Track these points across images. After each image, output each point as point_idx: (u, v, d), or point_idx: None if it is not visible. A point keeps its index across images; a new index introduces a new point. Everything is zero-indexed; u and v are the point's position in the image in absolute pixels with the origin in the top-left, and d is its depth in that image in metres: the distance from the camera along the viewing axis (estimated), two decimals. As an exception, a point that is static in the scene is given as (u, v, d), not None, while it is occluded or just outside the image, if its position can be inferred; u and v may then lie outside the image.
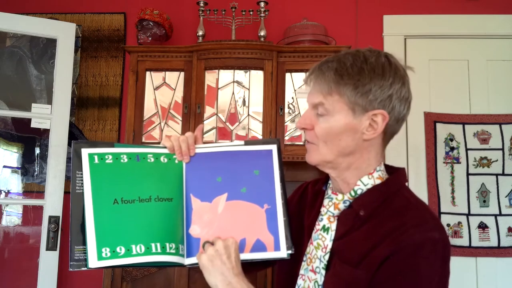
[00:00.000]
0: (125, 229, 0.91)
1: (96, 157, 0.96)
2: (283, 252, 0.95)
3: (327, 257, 0.91)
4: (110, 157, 0.98)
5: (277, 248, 0.95)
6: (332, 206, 0.96)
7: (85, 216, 0.90)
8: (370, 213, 0.89)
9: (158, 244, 0.91)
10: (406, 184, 0.96)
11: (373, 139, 0.91)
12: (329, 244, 0.92)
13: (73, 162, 0.95)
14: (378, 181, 0.93)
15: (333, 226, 0.93)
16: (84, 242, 0.89)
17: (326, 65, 0.91)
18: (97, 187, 0.93)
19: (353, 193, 0.93)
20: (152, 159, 0.99)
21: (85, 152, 0.96)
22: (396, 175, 0.95)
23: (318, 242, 0.95)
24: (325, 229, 0.95)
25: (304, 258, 0.97)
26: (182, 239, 0.94)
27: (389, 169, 0.98)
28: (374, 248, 0.83)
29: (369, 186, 0.92)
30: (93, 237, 0.89)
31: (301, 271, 0.96)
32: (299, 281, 0.96)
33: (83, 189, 0.93)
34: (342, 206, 0.94)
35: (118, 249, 0.89)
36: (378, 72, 0.88)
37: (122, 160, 0.98)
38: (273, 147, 1.03)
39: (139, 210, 0.93)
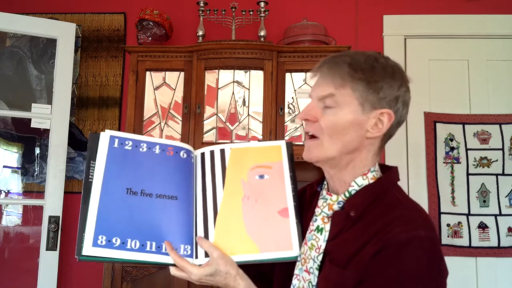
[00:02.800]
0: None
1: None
2: (296, 251, 0.95)
3: (320, 257, 0.91)
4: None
5: (289, 247, 0.95)
6: (327, 206, 0.95)
7: (91, 199, 0.90)
8: (361, 213, 0.89)
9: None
10: (399, 183, 0.96)
11: (375, 138, 0.92)
12: (323, 245, 0.92)
13: (88, 151, 0.95)
14: (372, 182, 0.93)
15: (327, 227, 0.93)
16: None
17: (339, 58, 0.92)
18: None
19: (347, 194, 0.93)
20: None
21: (107, 134, 0.97)
22: (387, 174, 0.95)
23: (312, 242, 0.95)
24: (319, 229, 0.94)
25: (299, 258, 0.97)
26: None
27: (383, 168, 0.98)
28: (363, 248, 0.83)
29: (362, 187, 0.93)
30: (93, 221, 0.88)
31: (296, 271, 0.97)
32: (294, 281, 0.96)
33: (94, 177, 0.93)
34: (336, 207, 0.93)
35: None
36: (389, 72, 0.91)
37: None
38: (282, 143, 1.05)
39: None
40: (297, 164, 1.06)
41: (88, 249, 0.86)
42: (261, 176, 1.01)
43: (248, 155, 1.04)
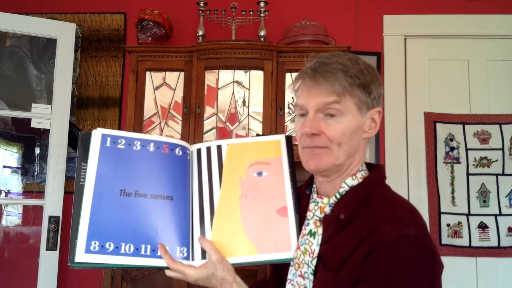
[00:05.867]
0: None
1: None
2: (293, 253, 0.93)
3: (314, 262, 0.90)
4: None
5: (288, 248, 0.93)
6: (318, 210, 0.94)
7: (83, 203, 0.87)
8: (350, 216, 0.88)
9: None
10: (398, 182, 0.96)
11: (369, 137, 0.94)
12: (316, 249, 0.91)
13: (79, 153, 0.91)
14: (360, 181, 0.93)
15: (320, 230, 0.92)
16: None
17: (331, 66, 0.90)
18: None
19: (338, 196, 0.92)
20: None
21: (98, 132, 0.93)
22: (374, 174, 0.94)
23: (305, 247, 0.93)
24: (312, 233, 0.93)
25: (292, 263, 0.95)
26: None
27: (368, 166, 0.98)
28: (355, 250, 0.83)
29: None
30: (86, 227, 0.85)
31: (289, 276, 0.95)
32: (288, 286, 0.95)
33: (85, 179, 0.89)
34: (328, 210, 0.93)
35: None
36: (372, 72, 0.93)
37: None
38: (281, 137, 1.03)
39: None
40: (297, 164, 1.05)
41: (81, 256, 0.83)
42: (260, 173, 0.98)
43: (246, 150, 1.01)
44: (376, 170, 0.95)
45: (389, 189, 0.94)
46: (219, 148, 1.01)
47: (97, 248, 0.85)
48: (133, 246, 0.87)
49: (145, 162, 0.93)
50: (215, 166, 0.99)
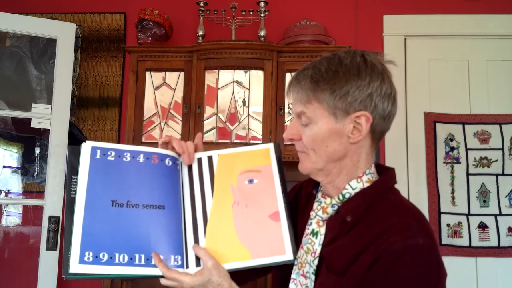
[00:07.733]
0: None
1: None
2: (289, 255, 0.93)
3: (316, 262, 0.90)
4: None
5: (282, 251, 0.93)
6: (321, 210, 0.94)
7: (75, 215, 0.88)
8: (357, 219, 0.87)
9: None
10: (398, 183, 0.93)
11: (360, 141, 0.89)
12: (318, 249, 0.91)
13: (68, 167, 0.92)
14: (367, 185, 0.91)
15: (322, 230, 0.92)
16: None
17: (302, 73, 0.91)
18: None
19: (341, 197, 0.91)
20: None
21: (88, 145, 0.94)
22: (384, 177, 0.93)
23: (307, 246, 0.94)
24: (314, 233, 0.93)
25: (296, 262, 0.95)
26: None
27: (379, 169, 0.96)
28: (359, 256, 0.82)
29: (357, 190, 0.90)
30: (79, 238, 0.86)
31: (293, 275, 0.95)
32: (291, 285, 0.95)
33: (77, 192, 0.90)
34: (330, 210, 0.92)
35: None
36: (354, 73, 0.87)
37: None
38: (270, 146, 1.04)
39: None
40: (290, 164, 1.06)
41: (75, 267, 0.83)
42: (251, 181, 1.00)
43: (236, 160, 1.02)
44: (385, 174, 0.94)
45: (398, 194, 0.92)
46: (209, 158, 1.03)
47: (91, 259, 0.85)
48: (127, 256, 0.87)
49: (135, 173, 0.94)
50: (207, 176, 1.00)
